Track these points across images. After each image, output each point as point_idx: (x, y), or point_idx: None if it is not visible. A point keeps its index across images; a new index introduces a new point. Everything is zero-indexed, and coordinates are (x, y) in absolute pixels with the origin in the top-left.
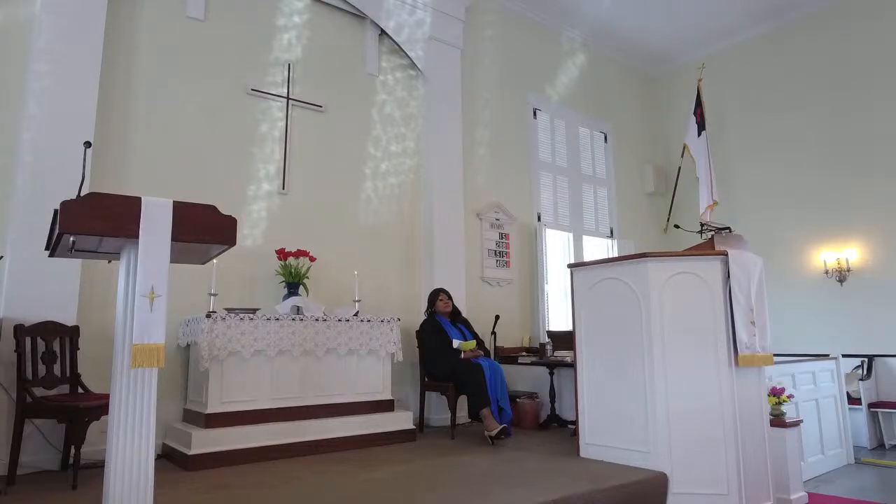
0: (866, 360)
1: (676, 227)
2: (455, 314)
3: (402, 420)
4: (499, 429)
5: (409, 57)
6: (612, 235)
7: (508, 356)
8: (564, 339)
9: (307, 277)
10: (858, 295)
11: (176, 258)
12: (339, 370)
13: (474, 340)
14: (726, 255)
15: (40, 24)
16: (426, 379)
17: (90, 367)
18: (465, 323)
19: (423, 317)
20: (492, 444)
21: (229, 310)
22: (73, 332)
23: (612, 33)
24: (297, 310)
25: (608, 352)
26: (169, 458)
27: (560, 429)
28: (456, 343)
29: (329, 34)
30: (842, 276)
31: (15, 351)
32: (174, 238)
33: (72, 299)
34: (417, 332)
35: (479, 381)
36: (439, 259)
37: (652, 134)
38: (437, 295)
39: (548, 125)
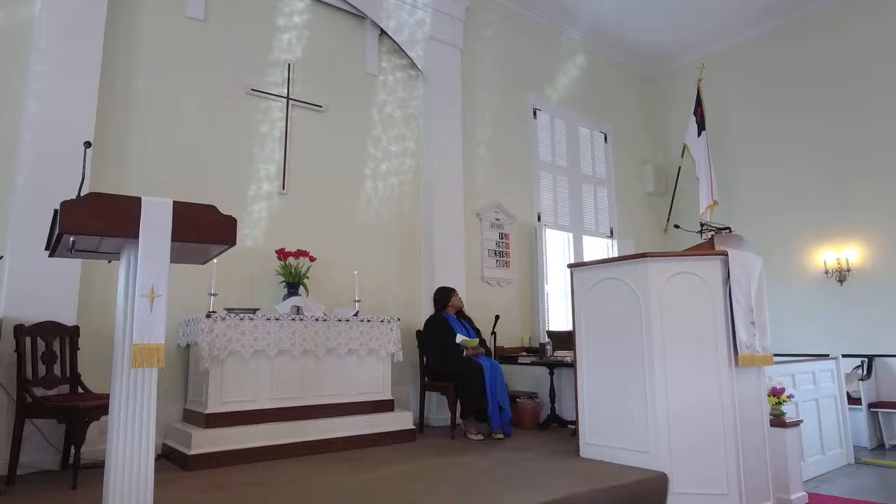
0: (866, 360)
1: (676, 227)
2: (459, 311)
3: (402, 420)
4: (479, 439)
5: (409, 57)
6: (612, 235)
7: (508, 356)
8: (564, 339)
9: (307, 277)
10: (858, 295)
11: (176, 258)
12: (339, 370)
13: (477, 339)
14: (726, 255)
15: (40, 24)
16: (426, 379)
17: (90, 367)
18: (469, 320)
19: (423, 316)
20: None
21: (229, 310)
22: (73, 332)
23: (612, 33)
24: (297, 310)
25: (608, 352)
26: (169, 458)
27: (560, 429)
28: (459, 338)
29: (329, 34)
30: (842, 276)
31: (15, 351)
32: (174, 238)
33: (72, 299)
34: (419, 330)
35: (477, 384)
36: (439, 259)
37: (652, 134)
38: (452, 291)
39: (548, 125)
